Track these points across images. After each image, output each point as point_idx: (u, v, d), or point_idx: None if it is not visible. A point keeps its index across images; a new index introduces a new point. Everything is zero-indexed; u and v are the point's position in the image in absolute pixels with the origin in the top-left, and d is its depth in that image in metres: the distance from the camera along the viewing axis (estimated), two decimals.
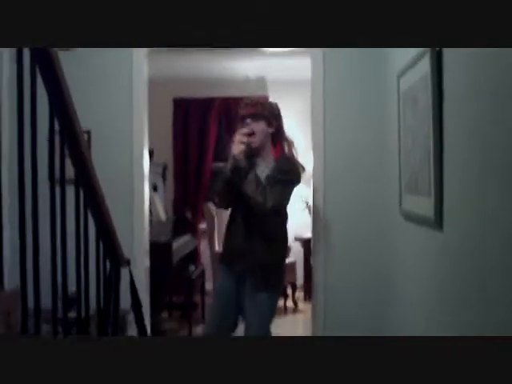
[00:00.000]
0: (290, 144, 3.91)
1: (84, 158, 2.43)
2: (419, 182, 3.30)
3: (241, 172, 3.57)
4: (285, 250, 3.94)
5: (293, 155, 3.87)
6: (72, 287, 2.76)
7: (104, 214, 2.75)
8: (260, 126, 3.73)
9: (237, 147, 3.57)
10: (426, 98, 3.10)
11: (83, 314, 2.76)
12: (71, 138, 2.35)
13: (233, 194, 3.72)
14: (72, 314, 2.70)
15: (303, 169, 3.84)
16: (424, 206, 3.17)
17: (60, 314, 2.35)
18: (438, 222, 2.92)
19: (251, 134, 3.66)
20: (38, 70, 2.07)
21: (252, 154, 3.72)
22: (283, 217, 3.88)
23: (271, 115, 3.80)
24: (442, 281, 3.00)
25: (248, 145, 3.64)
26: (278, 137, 3.87)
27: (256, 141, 3.70)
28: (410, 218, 3.67)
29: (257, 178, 3.58)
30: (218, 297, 3.90)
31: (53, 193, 2.23)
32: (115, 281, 3.10)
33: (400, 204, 3.91)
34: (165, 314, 7.21)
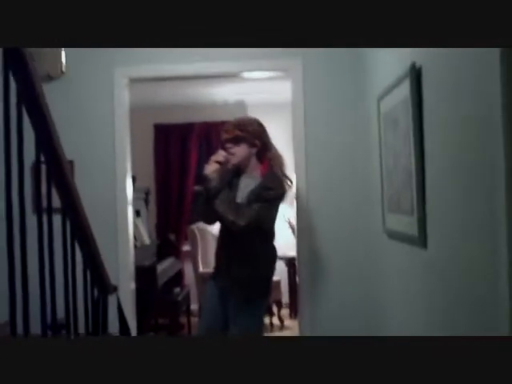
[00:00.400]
0: (277, 159, 3.91)
1: (70, 187, 2.45)
2: (401, 202, 3.34)
3: (211, 191, 3.63)
4: (268, 267, 3.97)
5: (280, 171, 3.88)
6: (61, 315, 2.78)
7: (90, 243, 2.77)
8: (241, 149, 3.80)
9: (209, 167, 3.67)
10: (406, 120, 3.15)
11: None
12: (56, 168, 2.37)
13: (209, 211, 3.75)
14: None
15: (291, 183, 3.90)
16: (407, 224, 3.21)
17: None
18: (421, 239, 2.96)
19: (230, 154, 3.75)
20: (23, 103, 2.08)
21: (236, 172, 3.81)
22: (266, 234, 3.91)
23: (252, 135, 3.85)
24: (427, 297, 3.03)
25: (224, 163, 3.71)
26: (263, 154, 3.90)
27: (234, 159, 3.78)
28: (393, 236, 3.71)
29: (229, 197, 3.66)
30: (204, 306, 4.05)
31: (40, 223, 2.24)
32: (103, 307, 3.11)
33: (384, 223, 3.95)
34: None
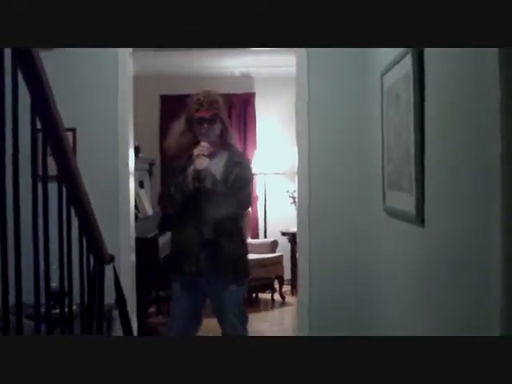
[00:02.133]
0: (231, 131, 4.09)
1: (66, 154, 2.43)
2: (401, 179, 3.33)
3: (205, 188, 3.73)
4: (246, 244, 4.08)
5: (234, 143, 4.12)
6: (55, 283, 2.79)
7: (87, 210, 2.75)
8: (217, 129, 3.87)
9: (201, 162, 3.71)
10: (407, 96, 3.13)
11: (67, 310, 2.76)
12: (53, 133, 2.35)
13: (188, 202, 3.81)
14: (56, 312, 2.70)
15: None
16: (406, 202, 3.19)
17: (43, 310, 2.35)
18: (419, 217, 2.95)
19: (205, 135, 3.81)
20: (18, 68, 2.06)
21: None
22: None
23: (223, 113, 3.93)
24: (422, 275, 3.03)
25: (210, 154, 3.77)
26: (223, 128, 3.96)
27: (212, 144, 3.84)
28: (392, 213, 3.70)
29: (223, 189, 3.79)
30: (177, 303, 3.99)
31: (35, 190, 2.23)
32: (99, 277, 3.11)
33: (384, 200, 3.93)
34: (152, 309, 7.21)
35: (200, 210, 3.78)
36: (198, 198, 3.77)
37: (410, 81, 3.06)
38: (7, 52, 2.00)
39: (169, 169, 4.05)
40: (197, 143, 3.82)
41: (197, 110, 3.80)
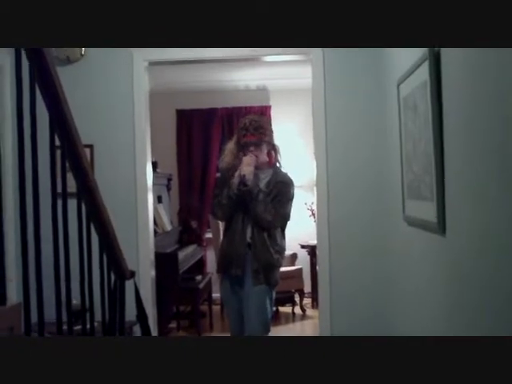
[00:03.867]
0: (279, 150, 4.37)
1: (85, 170, 2.44)
2: (421, 188, 3.30)
3: (248, 191, 4.00)
4: (283, 253, 4.43)
5: (279, 161, 4.40)
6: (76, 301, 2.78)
7: (107, 227, 2.76)
8: (263, 150, 4.16)
9: (247, 168, 4.00)
10: (425, 104, 3.10)
11: (88, 326, 2.76)
12: (71, 151, 2.35)
13: (234, 207, 4.10)
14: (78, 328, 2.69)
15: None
16: (427, 211, 3.16)
17: (64, 327, 2.35)
18: (440, 226, 2.92)
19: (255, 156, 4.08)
20: (36, 85, 2.07)
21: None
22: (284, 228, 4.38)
23: (270, 137, 4.22)
24: (445, 284, 2.99)
25: (255, 168, 4.06)
26: (270, 150, 4.29)
27: (259, 162, 4.14)
28: (413, 223, 3.66)
29: (265, 200, 4.05)
30: (226, 305, 4.35)
31: (55, 207, 2.24)
32: (120, 293, 3.10)
33: (403, 210, 3.90)
34: (173, 324, 7.21)
35: (244, 215, 4.10)
36: (242, 203, 4.06)
37: (427, 89, 3.03)
38: (25, 68, 2.00)
39: (219, 181, 4.36)
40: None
41: (244, 136, 4.10)
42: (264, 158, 4.18)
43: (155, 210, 6.60)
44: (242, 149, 4.15)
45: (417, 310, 3.74)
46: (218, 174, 4.50)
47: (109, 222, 2.77)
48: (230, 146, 4.29)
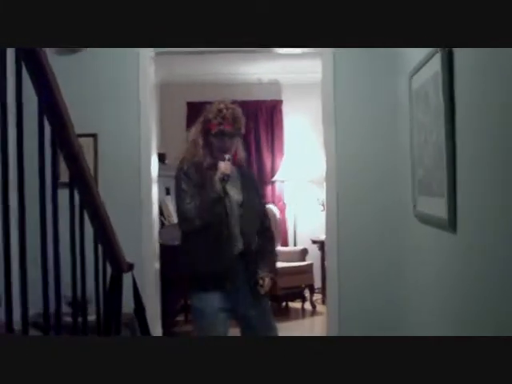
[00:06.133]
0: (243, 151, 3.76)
1: (76, 155, 2.32)
2: (432, 183, 3.19)
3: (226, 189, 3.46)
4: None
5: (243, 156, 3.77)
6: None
7: (101, 216, 2.64)
8: (237, 144, 3.60)
9: (227, 167, 3.41)
10: (437, 96, 2.99)
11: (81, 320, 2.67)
12: (63, 138, 2.25)
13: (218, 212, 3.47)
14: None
15: None
16: (438, 207, 3.05)
17: (52, 320, 2.24)
18: (451, 223, 2.81)
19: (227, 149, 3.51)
20: (24, 67, 1.97)
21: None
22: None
23: (243, 128, 3.61)
24: (455, 282, 2.92)
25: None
26: (240, 145, 3.71)
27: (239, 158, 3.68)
28: (424, 219, 3.57)
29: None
30: (206, 321, 3.50)
31: (55, 196, 2.15)
32: (117, 287, 3.00)
33: (414, 206, 3.79)
34: (181, 317, 7.09)
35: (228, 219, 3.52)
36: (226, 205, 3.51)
37: (439, 80, 2.93)
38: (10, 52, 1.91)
39: (181, 180, 3.53)
40: (214, 157, 3.54)
41: (219, 123, 3.47)
42: (232, 154, 3.55)
43: (163, 201, 6.60)
44: (211, 139, 3.50)
45: (427, 306, 3.67)
46: (177, 173, 3.52)
47: (104, 211, 2.66)
48: (195, 133, 3.61)
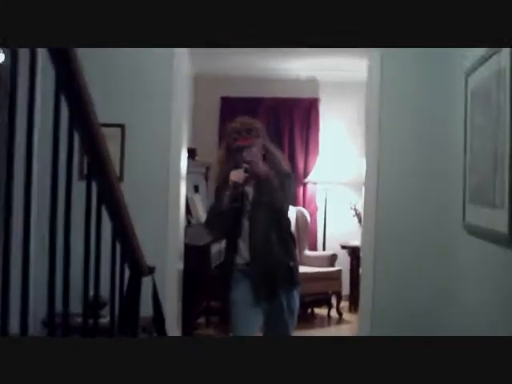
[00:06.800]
0: (275, 156, 3.79)
1: (97, 142, 2.07)
2: (489, 192, 2.90)
3: (240, 197, 3.57)
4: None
5: (281, 166, 3.79)
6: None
7: (121, 212, 2.39)
8: (257, 154, 3.61)
9: (237, 174, 3.52)
10: (501, 96, 2.71)
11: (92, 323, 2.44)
12: (81, 117, 2.01)
13: (229, 222, 3.62)
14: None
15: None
16: (495, 219, 2.78)
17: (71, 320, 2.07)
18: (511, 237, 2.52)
19: (250, 162, 3.56)
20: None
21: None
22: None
23: (264, 138, 3.70)
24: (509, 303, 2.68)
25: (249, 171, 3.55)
26: (266, 153, 3.74)
27: (256, 166, 3.59)
28: (475, 232, 3.35)
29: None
30: (240, 308, 3.61)
31: (55, 190, 1.90)
32: (135, 291, 2.74)
33: (464, 216, 3.51)
34: (202, 320, 6.91)
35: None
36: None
37: (504, 79, 2.64)
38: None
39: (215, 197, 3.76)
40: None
41: (235, 140, 3.60)
42: (259, 160, 3.63)
43: (191, 199, 6.43)
44: (233, 155, 3.63)
45: (471, 327, 3.44)
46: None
47: (124, 208, 2.40)
48: (220, 153, 3.80)
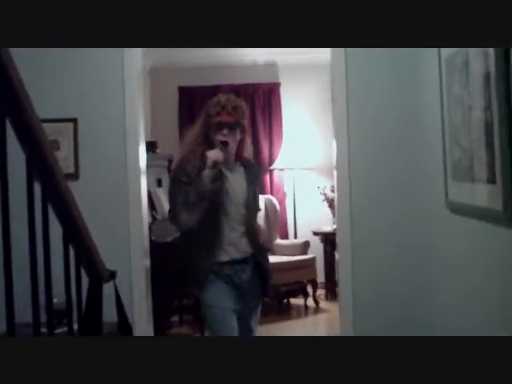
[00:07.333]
0: (248, 145, 3.62)
1: (37, 139, 1.81)
2: (475, 167, 2.71)
3: (220, 178, 3.35)
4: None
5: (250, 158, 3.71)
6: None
7: (72, 214, 2.13)
8: (236, 137, 3.40)
9: (217, 153, 3.26)
10: (482, 61, 2.54)
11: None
12: (16, 113, 1.75)
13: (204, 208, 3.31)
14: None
15: None
16: (485, 195, 2.63)
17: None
18: (507, 215, 2.33)
19: (226, 145, 3.33)
20: None
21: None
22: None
23: (245, 122, 3.48)
24: (503, 290, 2.54)
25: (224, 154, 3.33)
26: (243, 139, 3.54)
27: (230, 151, 3.40)
28: (461, 210, 3.17)
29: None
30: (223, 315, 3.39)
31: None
32: (95, 298, 2.49)
33: (446, 194, 3.40)
34: (175, 318, 6.82)
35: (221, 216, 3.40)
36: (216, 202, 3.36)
37: None
38: None
39: (175, 179, 3.43)
40: None
41: (218, 114, 3.33)
42: (234, 147, 3.42)
43: (154, 193, 6.32)
44: (210, 132, 3.37)
45: (462, 314, 3.34)
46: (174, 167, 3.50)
47: (75, 208, 2.14)
48: (195, 129, 3.50)
